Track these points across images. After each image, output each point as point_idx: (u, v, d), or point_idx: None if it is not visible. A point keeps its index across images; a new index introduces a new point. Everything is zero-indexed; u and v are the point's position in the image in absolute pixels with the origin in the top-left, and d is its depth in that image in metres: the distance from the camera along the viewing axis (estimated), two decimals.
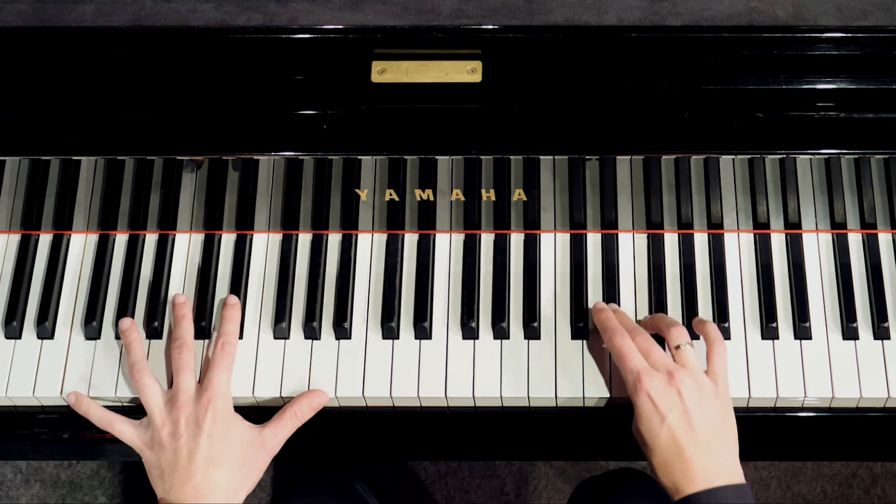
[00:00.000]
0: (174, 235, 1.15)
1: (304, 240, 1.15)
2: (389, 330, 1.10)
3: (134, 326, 1.09)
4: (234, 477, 1.01)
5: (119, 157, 1.07)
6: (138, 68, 1.04)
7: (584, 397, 1.07)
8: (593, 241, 1.14)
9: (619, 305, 1.10)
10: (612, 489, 1.25)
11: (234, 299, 1.10)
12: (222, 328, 1.08)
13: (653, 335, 1.04)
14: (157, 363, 1.09)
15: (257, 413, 1.07)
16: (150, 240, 1.15)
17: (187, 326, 1.08)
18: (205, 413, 1.01)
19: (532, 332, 1.09)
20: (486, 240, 1.14)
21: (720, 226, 1.13)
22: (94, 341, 1.11)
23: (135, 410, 1.10)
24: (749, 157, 1.05)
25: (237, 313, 1.09)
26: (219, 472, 1.00)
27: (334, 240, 1.15)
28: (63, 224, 1.15)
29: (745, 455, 1.00)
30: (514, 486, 1.90)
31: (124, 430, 1.04)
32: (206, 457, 0.99)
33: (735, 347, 1.08)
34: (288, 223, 1.14)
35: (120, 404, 1.10)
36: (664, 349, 1.03)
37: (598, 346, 1.08)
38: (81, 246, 1.16)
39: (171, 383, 1.06)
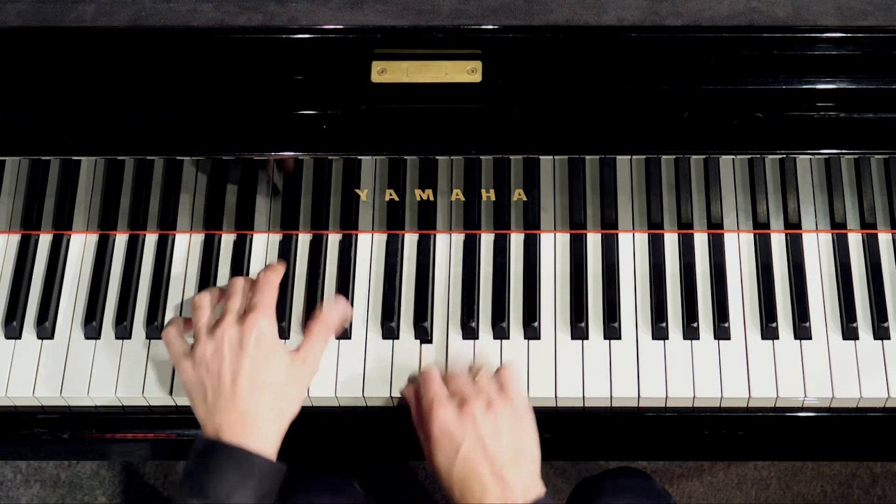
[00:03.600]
0: (174, 235, 1.15)
1: (304, 240, 1.15)
2: (389, 330, 1.10)
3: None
4: (277, 400, 1.00)
5: (119, 157, 1.07)
6: (138, 68, 1.04)
7: (584, 397, 1.07)
8: (593, 241, 1.14)
9: (619, 306, 1.10)
10: (610, 488, 1.25)
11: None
12: (268, 266, 1.09)
13: None
14: (158, 363, 1.09)
15: None
16: (150, 240, 1.15)
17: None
18: (249, 334, 1.00)
19: (532, 332, 1.09)
20: (486, 240, 1.14)
21: (720, 226, 1.13)
22: (93, 341, 1.11)
23: (136, 412, 1.10)
24: (749, 157, 1.05)
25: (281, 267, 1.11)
26: (263, 397, 0.99)
27: (334, 240, 1.15)
28: (63, 224, 1.15)
29: (746, 455, 1.00)
30: None
31: (176, 344, 1.04)
32: (249, 380, 0.98)
33: (735, 347, 1.08)
34: (288, 223, 1.14)
35: (120, 405, 1.10)
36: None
37: (599, 348, 1.08)
38: (81, 246, 1.16)
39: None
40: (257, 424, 0.98)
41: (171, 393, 1.08)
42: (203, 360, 1.00)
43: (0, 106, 1.04)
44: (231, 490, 0.94)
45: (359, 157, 1.06)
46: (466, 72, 1.02)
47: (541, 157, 1.05)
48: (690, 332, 1.09)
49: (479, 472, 0.94)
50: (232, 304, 1.04)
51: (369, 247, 1.14)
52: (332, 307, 1.08)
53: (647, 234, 1.14)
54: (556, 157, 1.06)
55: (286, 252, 1.14)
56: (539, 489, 0.96)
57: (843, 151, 1.03)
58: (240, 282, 1.07)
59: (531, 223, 1.13)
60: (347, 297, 1.11)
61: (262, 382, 0.99)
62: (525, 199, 1.10)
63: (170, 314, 1.12)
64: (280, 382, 1.01)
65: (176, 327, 1.06)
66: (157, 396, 1.09)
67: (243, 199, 1.12)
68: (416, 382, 1.03)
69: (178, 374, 1.02)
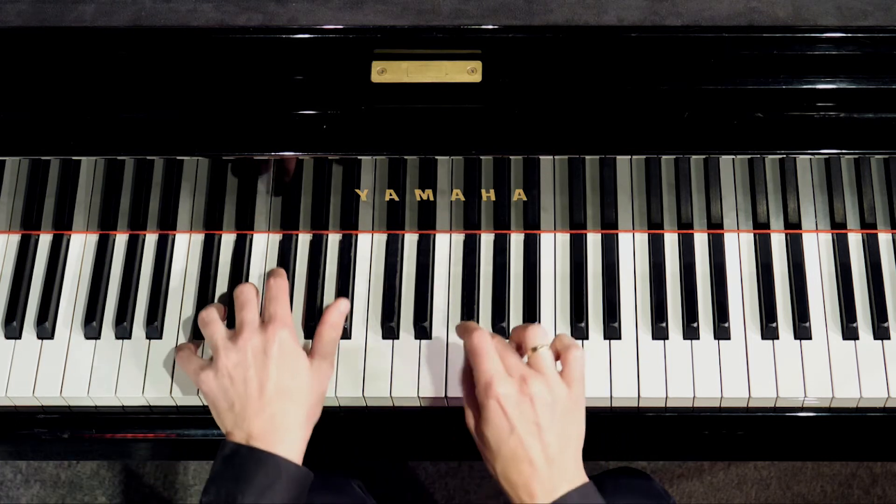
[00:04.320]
0: (174, 235, 1.15)
1: (304, 240, 1.15)
2: (389, 330, 1.10)
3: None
4: (302, 407, 1.00)
5: (119, 157, 1.07)
6: (138, 68, 1.04)
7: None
8: (593, 241, 1.14)
9: (619, 306, 1.10)
10: (610, 488, 1.25)
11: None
12: (271, 272, 1.10)
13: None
14: (158, 363, 1.09)
15: None
16: (150, 240, 1.15)
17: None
18: (272, 342, 1.00)
19: None
20: (486, 240, 1.14)
21: (720, 226, 1.13)
22: (93, 341, 1.11)
23: (136, 412, 1.10)
24: (749, 157, 1.05)
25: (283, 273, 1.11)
26: (290, 404, 0.99)
27: (334, 240, 1.15)
28: (63, 224, 1.15)
29: (746, 455, 1.00)
30: None
31: (192, 361, 1.04)
32: (276, 387, 0.99)
33: (735, 347, 1.08)
34: (288, 223, 1.14)
35: (121, 405, 1.10)
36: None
37: (598, 348, 1.08)
38: (81, 246, 1.16)
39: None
40: (286, 431, 0.98)
41: (171, 393, 1.08)
42: (226, 371, 1.00)
43: (0, 106, 1.04)
44: (259, 495, 0.94)
45: (359, 157, 1.06)
46: (466, 72, 1.02)
47: (541, 157, 1.05)
48: (690, 332, 1.09)
49: (530, 454, 0.92)
50: (248, 315, 1.04)
51: (369, 247, 1.14)
52: (335, 308, 1.08)
53: (647, 234, 1.14)
54: (556, 157, 1.06)
55: (286, 252, 1.14)
56: (583, 476, 0.95)
57: (843, 151, 1.03)
58: (249, 291, 1.06)
59: (531, 223, 1.13)
60: (347, 297, 1.11)
61: (289, 390, 1.00)
62: (525, 199, 1.10)
63: (170, 314, 1.12)
64: (304, 389, 1.01)
65: (187, 350, 1.07)
66: (157, 396, 1.09)
67: (243, 199, 1.12)
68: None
69: (199, 386, 1.02)
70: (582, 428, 0.97)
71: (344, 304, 1.09)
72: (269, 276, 1.10)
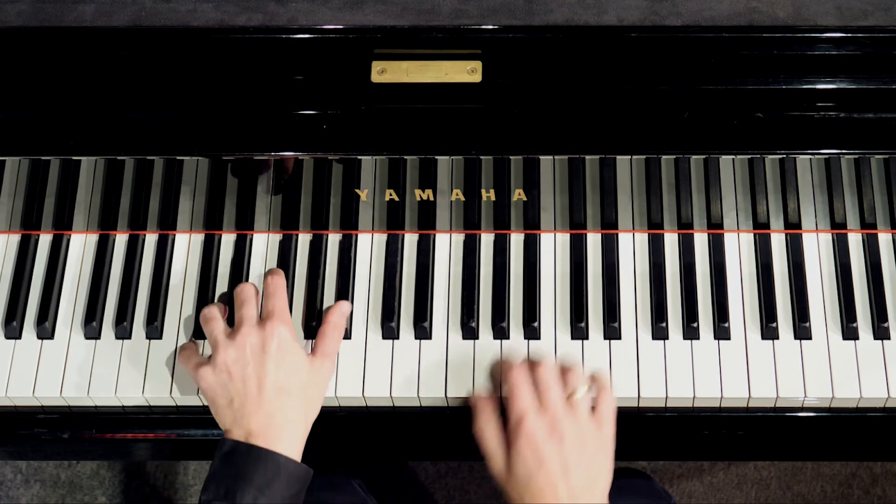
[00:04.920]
0: (174, 235, 1.15)
1: (304, 240, 1.15)
2: (389, 330, 1.10)
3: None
4: (301, 403, 1.01)
5: (119, 157, 1.07)
6: (138, 68, 1.04)
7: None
8: (593, 241, 1.14)
9: (619, 306, 1.10)
10: (611, 488, 1.25)
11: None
12: (268, 272, 1.10)
13: None
14: (158, 363, 1.09)
15: None
16: (150, 240, 1.15)
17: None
18: (270, 339, 1.01)
19: (532, 332, 1.09)
20: (486, 240, 1.14)
21: (720, 226, 1.13)
22: (93, 341, 1.11)
23: (136, 412, 1.10)
24: (749, 157, 1.05)
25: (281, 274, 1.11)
26: (289, 401, 1.00)
27: (334, 240, 1.15)
28: (63, 224, 1.15)
29: (746, 455, 1.00)
30: None
31: (192, 358, 1.04)
32: (274, 384, 0.99)
33: (735, 347, 1.08)
34: (288, 223, 1.14)
35: (120, 405, 1.10)
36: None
37: (598, 348, 1.09)
38: (81, 246, 1.16)
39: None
40: (285, 428, 0.98)
41: (171, 393, 1.08)
42: (224, 367, 1.00)
43: (0, 106, 1.04)
44: (259, 493, 0.94)
45: (359, 157, 1.06)
46: (466, 72, 1.02)
47: (541, 157, 1.05)
48: (690, 332, 1.09)
49: (556, 491, 0.94)
50: (247, 311, 1.04)
51: (369, 247, 1.14)
52: (336, 309, 1.09)
53: (647, 234, 1.14)
54: (556, 157, 1.06)
55: (286, 252, 1.14)
56: None
57: (843, 151, 1.03)
58: (249, 289, 1.07)
59: (531, 223, 1.13)
60: (347, 297, 1.11)
61: (287, 386, 1.00)
62: (525, 199, 1.10)
63: (170, 314, 1.12)
64: (303, 386, 1.01)
65: (189, 349, 1.07)
66: (157, 396, 1.09)
67: (243, 199, 1.12)
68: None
69: (198, 382, 1.03)
70: (610, 466, 0.99)
71: (346, 305, 1.10)
72: (266, 274, 1.10)
